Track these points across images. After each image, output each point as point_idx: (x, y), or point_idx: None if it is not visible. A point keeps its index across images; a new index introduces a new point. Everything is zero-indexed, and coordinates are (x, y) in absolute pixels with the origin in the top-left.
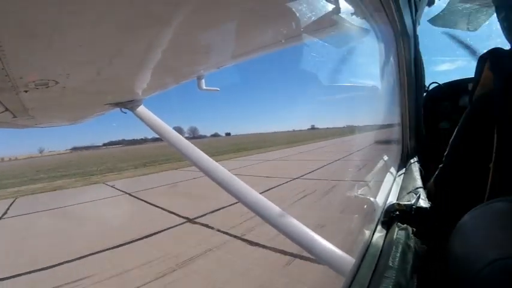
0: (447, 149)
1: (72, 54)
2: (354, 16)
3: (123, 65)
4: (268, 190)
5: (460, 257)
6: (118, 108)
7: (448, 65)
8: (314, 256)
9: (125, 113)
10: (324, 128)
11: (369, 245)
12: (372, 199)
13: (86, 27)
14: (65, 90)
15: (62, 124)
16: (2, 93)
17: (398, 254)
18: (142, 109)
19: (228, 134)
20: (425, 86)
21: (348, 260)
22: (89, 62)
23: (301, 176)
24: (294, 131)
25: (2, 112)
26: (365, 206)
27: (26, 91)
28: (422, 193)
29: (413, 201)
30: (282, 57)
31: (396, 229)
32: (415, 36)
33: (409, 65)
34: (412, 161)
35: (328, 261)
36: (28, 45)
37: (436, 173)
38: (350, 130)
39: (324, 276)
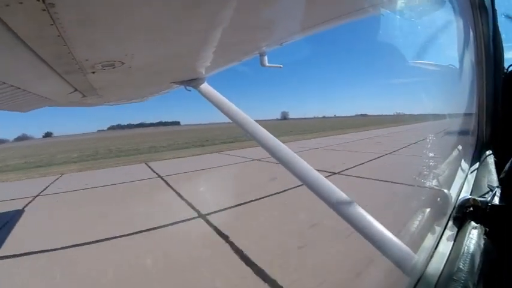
0: None
1: (136, 35)
2: None
3: (186, 44)
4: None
5: None
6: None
7: None
8: (377, 248)
9: (189, 90)
10: (380, 116)
11: (438, 243)
12: (443, 192)
13: (148, 7)
14: (131, 70)
15: (129, 102)
16: (70, 75)
17: (469, 256)
18: (205, 86)
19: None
20: (504, 68)
21: (414, 257)
22: (153, 43)
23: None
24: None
25: (72, 92)
26: (437, 199)
27: (93, 72)
28: (498, 190)
29: (488, 198)
30: (341, 34)
31: (469, 228)
32: (494, 11)
33: (487, 43)
34: (487, 153)
35: (392, 257)
36: (92, 29)
37: None
38: (413, 117)
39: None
